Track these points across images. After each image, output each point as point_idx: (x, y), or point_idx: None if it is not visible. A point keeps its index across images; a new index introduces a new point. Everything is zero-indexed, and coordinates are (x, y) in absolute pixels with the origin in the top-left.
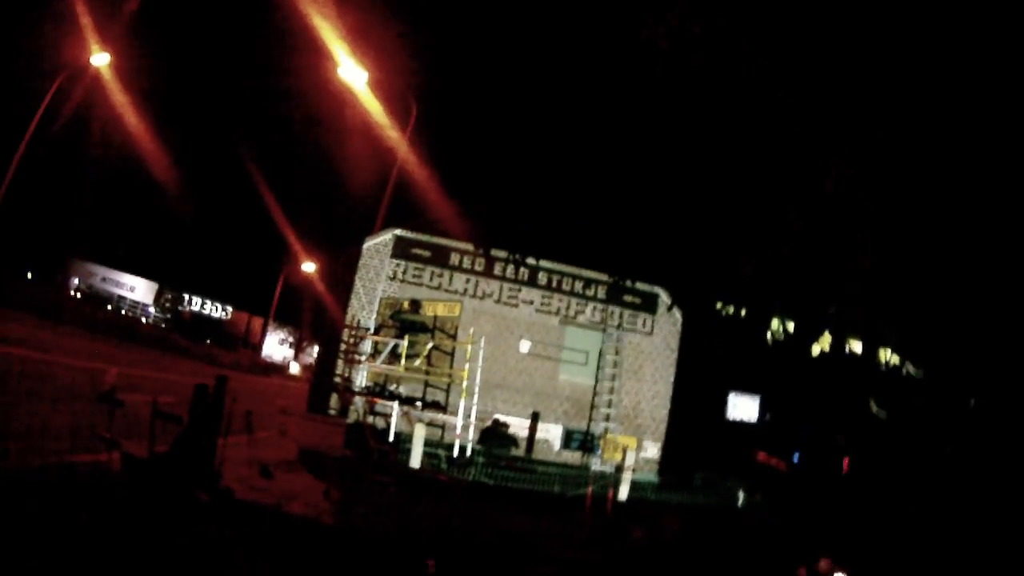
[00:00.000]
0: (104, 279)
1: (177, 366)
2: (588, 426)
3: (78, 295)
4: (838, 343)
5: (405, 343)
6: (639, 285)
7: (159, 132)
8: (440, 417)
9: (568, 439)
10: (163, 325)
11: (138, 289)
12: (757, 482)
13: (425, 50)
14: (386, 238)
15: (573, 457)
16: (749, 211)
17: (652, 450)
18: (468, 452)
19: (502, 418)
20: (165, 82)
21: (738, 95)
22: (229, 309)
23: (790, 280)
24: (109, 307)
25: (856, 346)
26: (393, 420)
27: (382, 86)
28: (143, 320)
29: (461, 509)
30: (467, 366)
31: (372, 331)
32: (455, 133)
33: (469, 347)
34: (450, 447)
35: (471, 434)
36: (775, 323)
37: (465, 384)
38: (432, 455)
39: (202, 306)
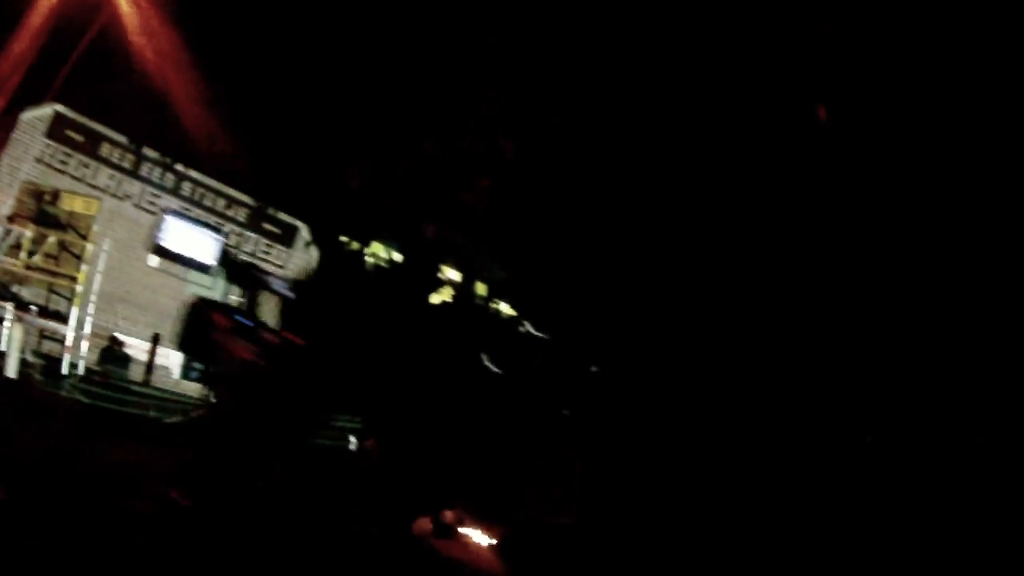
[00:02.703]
0: None
1: None
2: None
3: None
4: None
5: (28, 234)
6: (282, 216)
7: None
8: (61, 330)
9: (188, 369)
10: None
11: None
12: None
13: None
14: (46, 112)
15: (193, 388)
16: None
17: None
18: (71, 368)
19: (120, 337)
20: None
21: None
22: None
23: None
24: None
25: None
26: (14, 335)
27: None
28: None
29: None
30: (83, 268)
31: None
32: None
33: (89, 247)
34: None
35: (84, 351)
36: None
37: (79, 289)
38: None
39: None
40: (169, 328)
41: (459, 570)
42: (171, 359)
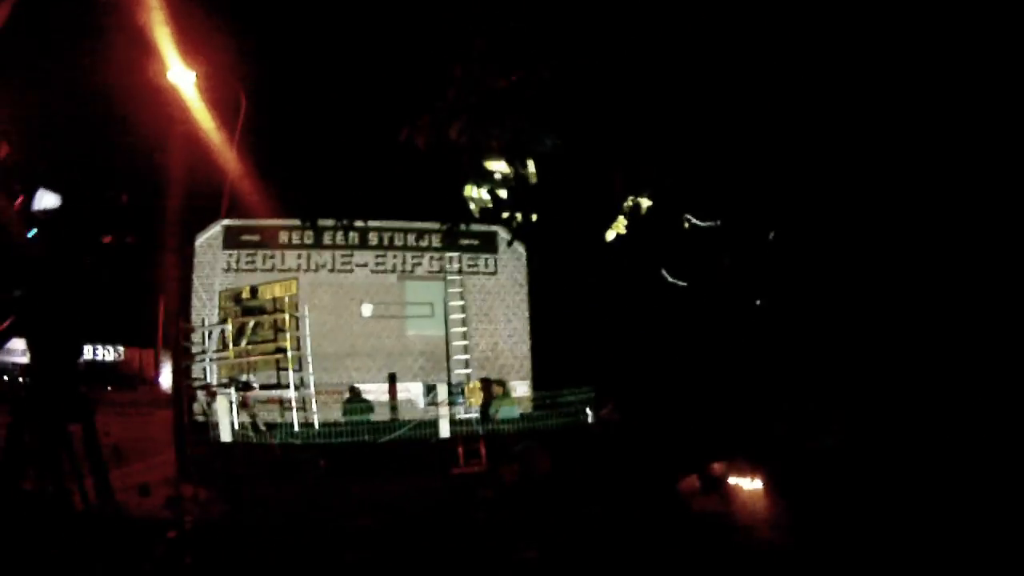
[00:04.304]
0: None
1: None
2: (448, 377)
3: None
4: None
5: (229, 326)
6: (474, 226)
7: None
8: (285, 396)
9: (430, 393)
10: None
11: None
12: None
13: (250, 43)
14: (216, 231)
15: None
16: None
17: (522, 388)
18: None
19: (358, 386)
20: None
21: None
22: (121, 349)
23: None
24: (6, 378)
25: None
26: (220, 408)
27: (211, 84)
28: None
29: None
30: (287, 337)
31: (218, 323)
32: (276, 114)
33: (287, 316)
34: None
35: (315, 408)
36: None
37: (290, 355)
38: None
39: (94, 353)
40: (399, 365)
41: (729, 528)
42: (411, 391)
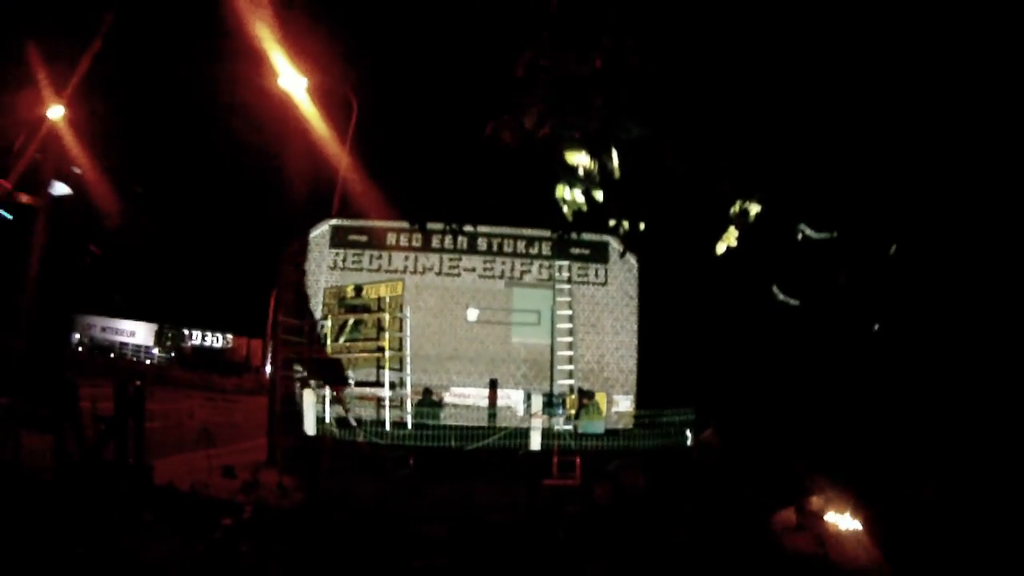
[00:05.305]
0: (104, 329)
1: (169, 396)
2: (551, 387)
3: (80, 348)
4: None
5: (330, 322)
6: (586, 235)
7: (122, 173)
8: (379, 393)
9: (528, 405)
10: (167, 364)
11: (138, 333)
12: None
13: (363, 47)
14: (323, 229)
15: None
16: None
17: (625, 403)
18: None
19: (433, 388)
20: (121, 119)
21: None
22: (230, 337)
23: None
24: (112, 355)
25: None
26: (306, 401)
27: (321, 89)
28: (146, 362)
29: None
30: (386, 335)
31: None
32: (387, 118)
33: (387, 316)
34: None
35: (409, 407)
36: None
37: (388, 355)
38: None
39: (203, 339)
40: (502, 372)
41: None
42: (512, 398)
